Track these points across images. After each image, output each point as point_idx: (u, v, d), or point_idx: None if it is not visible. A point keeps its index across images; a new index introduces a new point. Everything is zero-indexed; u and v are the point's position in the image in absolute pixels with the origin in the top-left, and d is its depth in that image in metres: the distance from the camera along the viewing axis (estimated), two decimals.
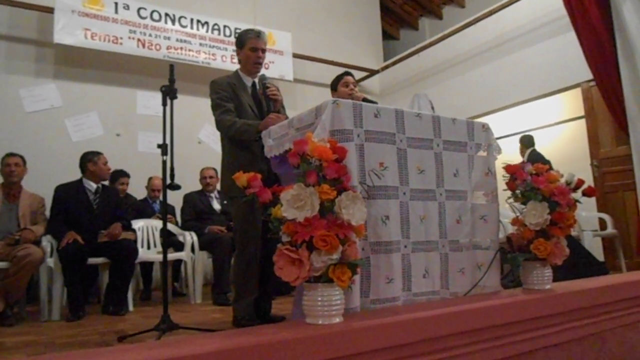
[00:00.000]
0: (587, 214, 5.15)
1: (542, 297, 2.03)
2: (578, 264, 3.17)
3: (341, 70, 3.84)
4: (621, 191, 5.21)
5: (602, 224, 5.24)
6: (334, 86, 3.52)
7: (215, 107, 2.91)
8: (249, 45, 2.97)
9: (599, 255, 5.13)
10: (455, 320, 1.69)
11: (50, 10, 5.48)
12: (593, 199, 5.16)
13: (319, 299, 1.53)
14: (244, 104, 2.91)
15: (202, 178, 5.20)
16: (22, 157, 4.05)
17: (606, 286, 2.31)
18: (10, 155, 4.02)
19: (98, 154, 4.18)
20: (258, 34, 3.00)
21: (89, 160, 4.12)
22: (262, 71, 3.12)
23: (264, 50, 3.02)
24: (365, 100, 3.10)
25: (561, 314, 2.05)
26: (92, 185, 4.10)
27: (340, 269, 1.51)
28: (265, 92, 2.97)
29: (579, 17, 4.62)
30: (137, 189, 5.32)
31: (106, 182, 4.38)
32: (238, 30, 6.66)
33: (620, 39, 4.41)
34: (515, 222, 2.32)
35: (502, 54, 6.40)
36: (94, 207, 4.05)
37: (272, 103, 2.95)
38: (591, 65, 4.67)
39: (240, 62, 3.07)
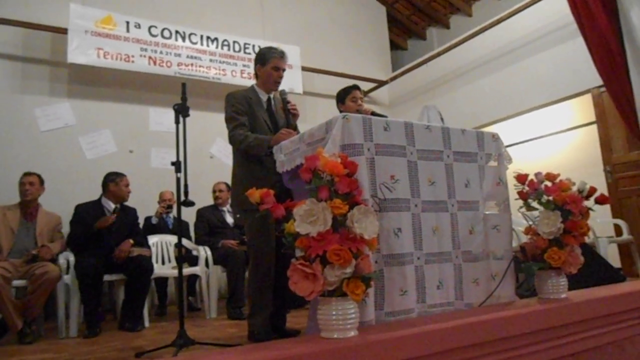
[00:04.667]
0: (601, 220, 5.11)
1: (558, 306, 2.02)
2: (594, 272, 3.14)
3: (349, 81, 3.86)
4: (635, 196, 5.15)
5: (618, 230, 5.18)
6: (342, 99, 3.53)
7: (229, 120, 2.94)
8: (272, 64, 3.00)
9: (616, 262, 5.07)
10: (470, 332, 1.69)
11: (63, 31, 5.58)
12: (607, 205, 5.11)
13: (334, 313, 1.54)
14: (259, 118, 2.95)
15: (213, 192, 5.25)
16: (39, 176, 4.13)
17: (623, 293, 2.29)
18: (27, 174, 4.10)
19: (121, 175, 4.32)
20: (282, 55, 3.04)
21: (112, 181, 4.25)
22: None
23: (284, 70, 3.07)
24: (373, 114, 3.12)
25: (578, 323, 2.03)
26: (110, 205, 4.20)
27: (354, 282, 1.52)
28: (286, 106, 3.00)
29: (587, 23, 4.61)
30: (150, 205, 5.37)
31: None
32: (247, 46, 6.75)
33: (629, 44, 4.39)
34: (528, 231, 2.32)
35: (510, 62, 6.39)
36: (111, 225, 4.10)
37: (292, 117, 2.98)
38: (601, 71, 4.65)
39: (257, 77, 3.10)
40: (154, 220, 5.10)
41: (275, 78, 3.02)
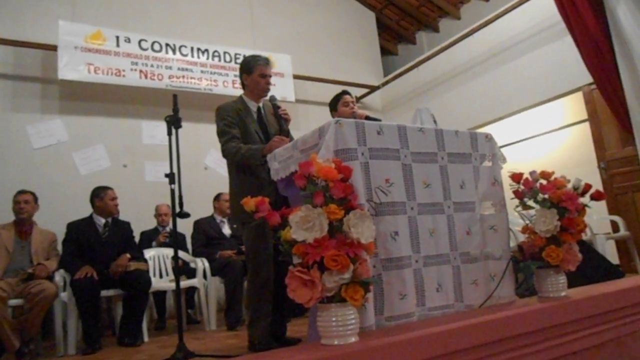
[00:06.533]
0: (598, 217, 5.11)
1: (558, 304, 2.01)
2: (592, 269, 3.14)
3: (341, 88, 3.88)
4: (631, 192, 5.17)
5: (615, 227, 5.19)
6: (334, 106, 3.54)
7: (220, 134, 2.93)
8: (259, 72, 3.00)
9: (614, 259, 5.07)
10: (471, 333, 1.68)
11: (53, 48, 5.58)
12: (603, 202, 5.12)
13: (333, 319, 1.53)
14: (249, 129, 2.94)
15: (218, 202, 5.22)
16: (33, 194, 4.10)
17: (623, 290, 2.29)
18: (21, 192, 4.07)
19: (105, 189, 4.24)
20: (267, 61, 3.04)
21: (96, 196, 4.20)
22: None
23: (270, 76, 3.07)
24: (368, 117, 3.12)
25: (579, 321, 2.03)
26: (101, 220, 4.15)
27: (353, 288, 1.52)
28: (277, 111, 3.00)
29: (575, 22, 4.64)
30: (146, 219, 5.35)
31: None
32: (238, 56, 6.76)
33: (617, 40, 4.42)
34: (525, 230, 2.31)
35: (501, 63, 6.42)
36: (103, 240, 4.08)
37: (284, 122, 2.98)
38: (590, 68, 4.68)
39: (245, 87, 3.09)
40: (154, 245, 5.04)
41: (263, 85, 3.02)
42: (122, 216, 4.44)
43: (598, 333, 2.08)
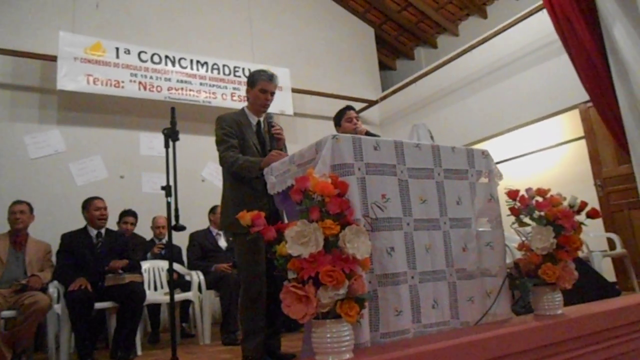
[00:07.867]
0: (595, 234, 5.11)
1: (554, 322, 2.00)
2: (588, 286, 3.13)
3: (340, 102, 3.90)
4: (627, 210, 5.18)
5: (611, 244, 5.19)
6: (338, 121, 3.55)
7: (219, 143, 2.94)
8: (260, 87, 3.00)
9: (610, 276, 5.06)
10: (467, 351, 1.67)
11: (53, 59, 5.60)
12: (600, 219, 5.12)
13: (328, 335, 1.51)
14: (248, 141, 2.95)
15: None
16: (28, 204, 4.08)
17: (619, 308, 2.27)
18: (17, 202, 4.06)
19: (92, 200, 4.18)
20: (271, 78, 3.03)
21: (83, 208, 4.18)
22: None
23: (272, 93, 3.05)
24: (367, 133, 3.13)
25: (575, 339, 2.01)
26: (93, 232, 4.12)
27: (348, 304, 1.51)
28: (270, 130, 3.01)
29: (571, 40, 4.68)
30: (142, 230, 5.33)
31: (110, 226, 4.37)
32: (237, 69, 6.80)
33: (613, 59, 4.45)
34: (521, 247, 2.31)
35: (498, 80, 6.47)
36: (97, 251, 4.04)
37: (276, 142, 2.98)
38: (586, 86, 4.71)
39: (247, 100, 3.11)
40: (149, 257, 5.02)
41: (262, 100, 3.02)
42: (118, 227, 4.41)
43: (594, 352, 2.07)
